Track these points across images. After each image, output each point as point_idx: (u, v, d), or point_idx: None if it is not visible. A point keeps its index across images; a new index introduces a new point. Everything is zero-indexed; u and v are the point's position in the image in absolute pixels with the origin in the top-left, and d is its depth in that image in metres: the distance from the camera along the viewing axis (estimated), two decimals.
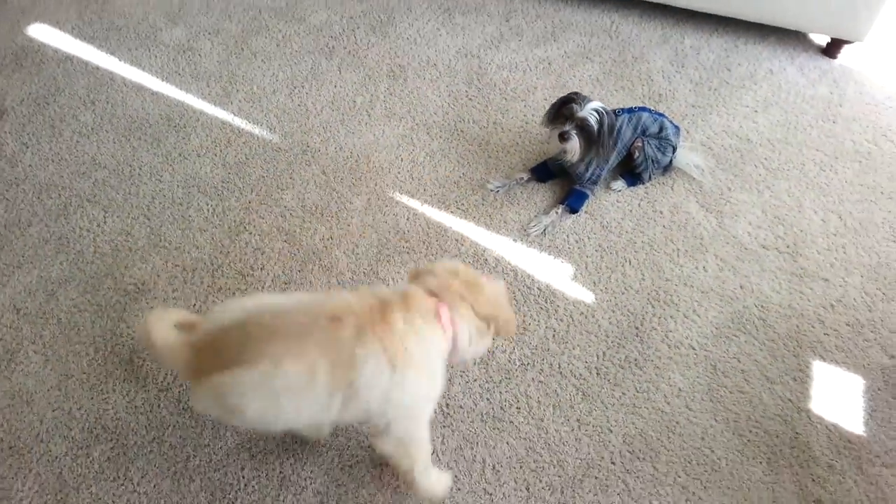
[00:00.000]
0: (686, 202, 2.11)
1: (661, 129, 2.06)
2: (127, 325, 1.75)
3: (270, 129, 2.30)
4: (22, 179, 2.11)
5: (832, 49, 2.58)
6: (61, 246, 1.93)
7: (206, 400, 1.15)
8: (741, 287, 1.90)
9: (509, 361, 1.73)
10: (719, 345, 1.78)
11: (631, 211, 2.08)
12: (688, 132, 2.29)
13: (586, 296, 1.87)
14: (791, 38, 2.67)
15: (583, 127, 1.89)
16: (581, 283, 1.90)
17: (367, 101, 2.41)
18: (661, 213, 2.08)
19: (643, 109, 2.07)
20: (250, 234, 1.98)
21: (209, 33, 2.67)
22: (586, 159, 1.98)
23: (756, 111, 2.39)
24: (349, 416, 1.19)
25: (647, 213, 2.07)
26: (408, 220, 2.03)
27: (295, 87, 2.45)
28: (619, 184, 2.13)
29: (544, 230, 2.02)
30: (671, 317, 1.83)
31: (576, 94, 1.93)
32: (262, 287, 1.85)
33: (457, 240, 1.99)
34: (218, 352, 1.13)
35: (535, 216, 2.06)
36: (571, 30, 2.70)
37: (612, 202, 2.10)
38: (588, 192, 2.06)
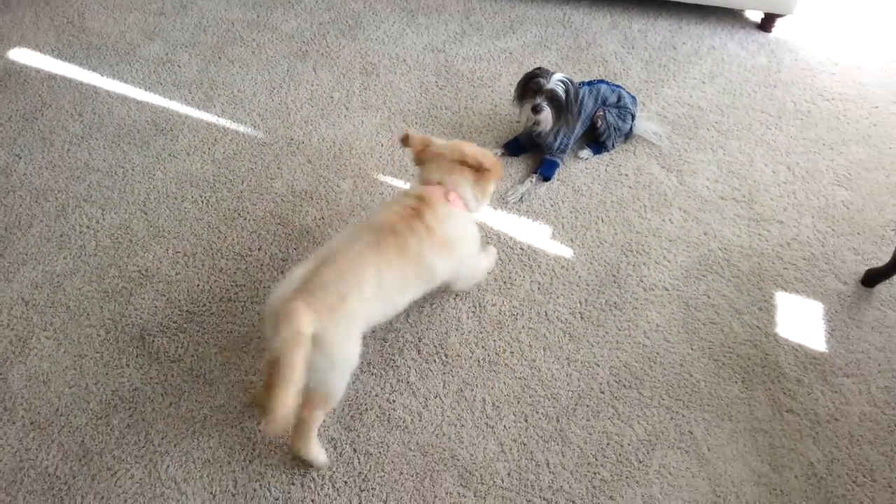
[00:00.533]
0: (648, 164, 2.28)
1: (620, 98, 2.24)
2: (135, 308, 1.84)
3: (254, 127, 2.41)
4: (18, 187, 2.18)
5: (766, 23, 2.82)
6: (63, 243, 2.01)
7: (342, 329, 1.34)
8: (705, 234, 2.07)
9: (500, 313, 1.86)
10: (690, 284, 1.94)
11: (599, 175, 2.24)
12: (644, 104, 2.48)
13: (565, 252, 2.01)
14: (728, 16, 2.91)
15: (552, 98, 2.05)
16: (559, 241, 2.04)
17: (344, 96, 2.55)
18: (627, 175, 2.24)
19: (601, 82, 2.25)
20: (245, 219, 2.09)
21: (186, 46, 2.79)
22: (554, 129, 2.14)
23: (703, 82, 2.60)
24: (434, 286, 1.58)
25: (614, 176, 2.24)
26: (393, 197, 2.16)
27: (274, 89, 2.58)
28: (586, 152, 2.30)
29: (521, 197, 2.16)
30: (644, 264, 1.99)
31: (539, 69, 2.10)
32: (262, 266, 1.95)
33: None
34: (325, 291, 1.32)
35: (512, 186, 2.21)
36: (527, 23, 2.90)
37: (580, 169, 2.26)
38: (558, 161, 2.22)
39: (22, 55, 2.73)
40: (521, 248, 2.02)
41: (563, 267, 1.97)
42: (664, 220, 2.11)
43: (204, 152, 2.31)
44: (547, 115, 2.07)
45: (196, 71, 2.66)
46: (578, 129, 2.23)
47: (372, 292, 1.38)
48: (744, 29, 2.85)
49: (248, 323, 1.82)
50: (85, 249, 1.99)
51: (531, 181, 2.19)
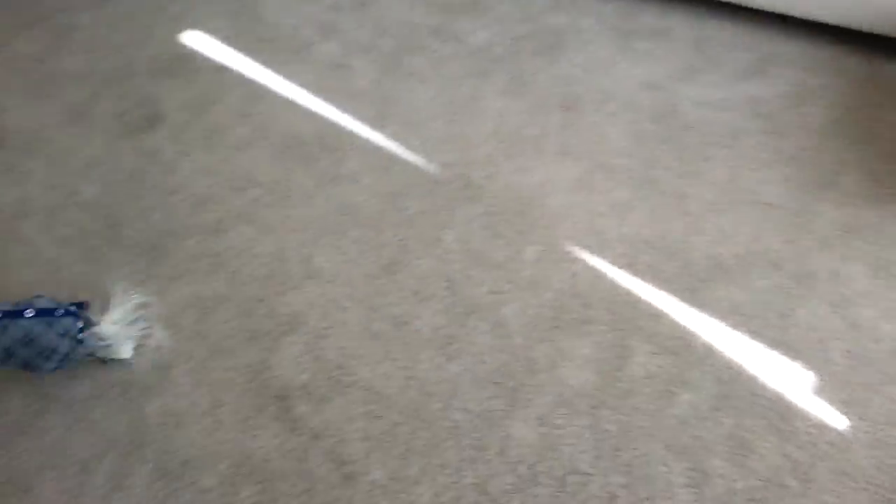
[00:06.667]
0: None
1: None
2: (280, 358, 1.58)
3: (428, 159, 2.04)
4: (180, 188, 2.00)
5: None
6: (216, 264, 1.79)
7: None
8: None
9: (729, 492, 1.33)
10: None
11: (890, 308, 1.60)
12: None
13: (836, 420, 1.42)
14: None
15: None
16: (828, 400, 1.45)
17: (537, 134, 2.10)
18: None
19: None
20: (407, 275, 1.73)
21: (362, 50, 2.47)
22: None
23: None
24: None
25: None
26: (589, 282, 1.69)
27: (454, 113, 2.19)
28: None
29: None
30: None
31: None
32: (421, 339, 1.59)
33: (653, 315, 1.61)
34: None
35: None
36: (782, 63, 2.26)
37: (859, 292, 1.63)
38: None
39: (195, 39, 2.56)
40: (768, 398, 1.46)
41: (831, 443, 1.39)
42: None
43: (370, 181, 1.98)
44: None
45: (370, 80, 2.33)
46: None
47: None
48: None
49: (400, 410, 1.46)
50: (237, 276, 1.75)
51: None
